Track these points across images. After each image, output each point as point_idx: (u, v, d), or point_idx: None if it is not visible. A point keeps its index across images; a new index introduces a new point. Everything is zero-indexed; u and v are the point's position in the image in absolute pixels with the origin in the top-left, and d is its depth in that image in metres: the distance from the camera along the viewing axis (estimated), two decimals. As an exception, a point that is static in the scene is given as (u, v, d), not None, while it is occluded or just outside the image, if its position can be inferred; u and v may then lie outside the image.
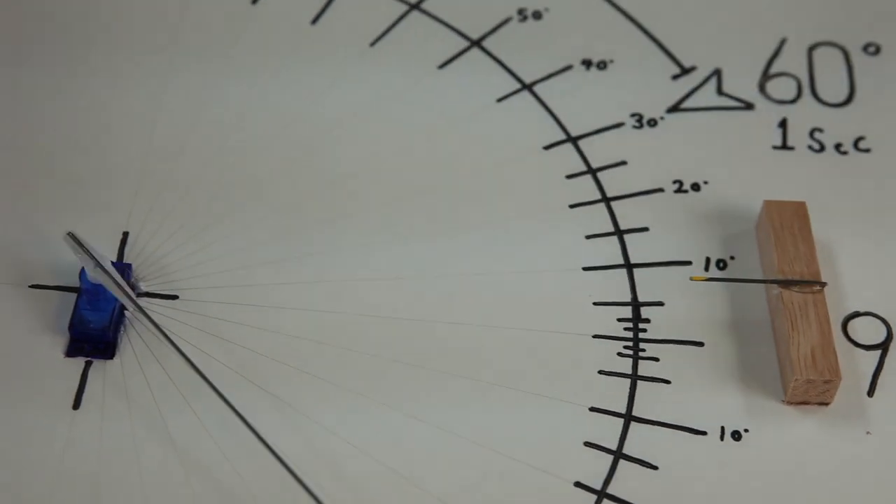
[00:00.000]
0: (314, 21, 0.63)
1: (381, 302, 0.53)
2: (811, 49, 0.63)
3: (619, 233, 0.56)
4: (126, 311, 0.52)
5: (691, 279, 0.53)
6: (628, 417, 0.50)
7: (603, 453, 0.49)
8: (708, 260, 0.55)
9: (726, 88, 0.61)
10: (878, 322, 0.53)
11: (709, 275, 0.54)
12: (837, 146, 0.59)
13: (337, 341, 0.52)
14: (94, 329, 0.50)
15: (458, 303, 0.53)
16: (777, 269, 0.53)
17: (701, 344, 0.52)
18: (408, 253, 0.55)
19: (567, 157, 0.59)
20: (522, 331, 0.53)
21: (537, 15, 0.64)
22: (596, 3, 0.65)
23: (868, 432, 0.50)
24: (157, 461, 0.48)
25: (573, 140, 0.59)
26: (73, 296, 0.52)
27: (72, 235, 0.50)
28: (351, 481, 0.48)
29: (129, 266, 0.53)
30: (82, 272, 0.51)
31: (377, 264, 0.54)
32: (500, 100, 0.61)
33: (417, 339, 0.52)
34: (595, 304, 0.54)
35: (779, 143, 0.60)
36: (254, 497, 0.48)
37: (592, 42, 0.63)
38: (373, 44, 0.62)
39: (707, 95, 0.61)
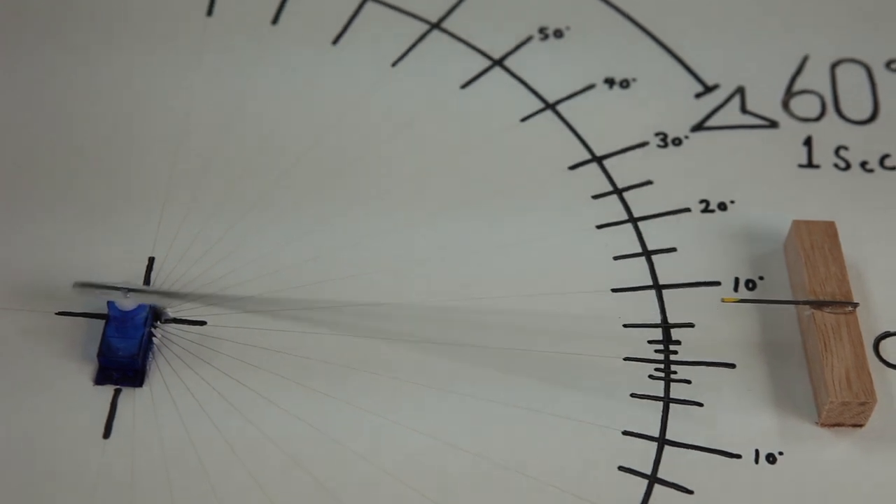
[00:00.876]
0: (335, 41, 0.63)
1: (414, 333, 0.53)
2: (834, 66, 0.63)
3: (647, 253, 0.56)
4: (154, 339, 0.51)
5: (723, 301, 0.53)
6: (662, 441, 0.50)
7: (638, 478, 0.49)
8: (737, 280, 0.55)
9: (750, 106, 0.61)
10: (910, 342, 0.53)
11: (739, 296, 0.54)
12: (863, 164, 0.59)
13: (366, 366, 0.51)
14: (122, 357, 0.50)
15: (487, 327, 0.53)
16: (808, 290, 0.52)
17: (733, 366, 0.52)
18: (435, 276, 0.55)
19: (593, 177, 0.59)
20: (553, 353, 0.52)
21: (559, 34, 0.64)
22: (617, 22, 0.64)
23: (903, 454, 0.50)
24: (188, 489, 0.48)
25: (598, 160, 0.59)
26: (101, 323, 0.51)
27: (80, 284, 0.50)
28: (383, 501, 0.48)
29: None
30: (110, 301, 0.51)
31: (407, 289, 0.54)
32: (523, 119, 0.61)
33: (446, 364, 0.52)
34: (625, 325, 0.53)
35: (804, 161, 0.59)
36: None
37: (615, 61, 0.63)
38: (394, 64, 0.62)
39: (731, 114, 0.61)
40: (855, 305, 0.52)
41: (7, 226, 0.54)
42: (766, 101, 0.61)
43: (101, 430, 0.49)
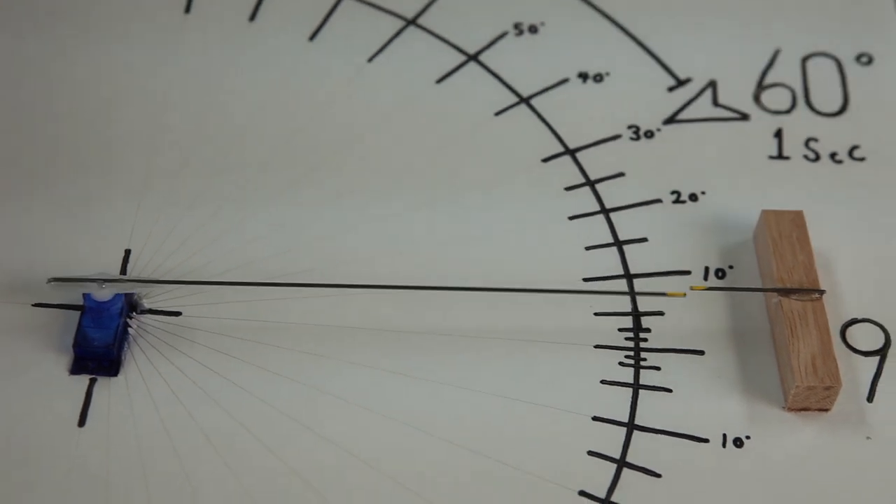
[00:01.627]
0: (312, 38, 0.63)
1: (384, 317, 0.53)
2: (805, 60, 0.64)
3: (619, 243, 0.57)
4: (130, 329, 0.52)
5: (691, 289, 0.54)
6: (631, 426, 0.51)
7: (606, 462, 0.50)
8: (707, 269, 0.56)
9: (722, 100, 0.62)
10: (877, 329, 0.54)
11: (708, 284, 0.55)
12: (832, 155, 0.60)
13: (339, 354, 0.52)
14: (98, 347, 0.51)
15: (460, 315, 0.54)
16: (776, 278, 0.53)
17: (702, 352, 0.53)
18: (409, 265, 0.55)
19: (565, 170, 0.59)
20: (524, 341, 0.53)
21: (533, 29, 0.65)
22: (591, 17, 0.65)
23: (868, 437, 0.51)
24: (163, 477, 0.48)
25: (571, 152, 0.60)
26: (77, 314, 0.52)
27: (54, 279, 0.51)
28: (356, 491, 0.49)
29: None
30: (86, 293, 0.51)
31: (381, 280, 0.54)
32: (497, 113, 0.61)
33: (420, 353, 0.52)
34: (596, 314, 0.54)
35: (775, 152, 0.60)
36: (260, 511, 0.48)
37: (588, 55, 0.64)
38: (370, 59, 0.63)
39: (703, 107, 0.62)
40: (821, 293, 0.52)
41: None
42: (737, 94, 0.62)
43: (77, 418, 0.50)
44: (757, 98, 0.62)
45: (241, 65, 0.62)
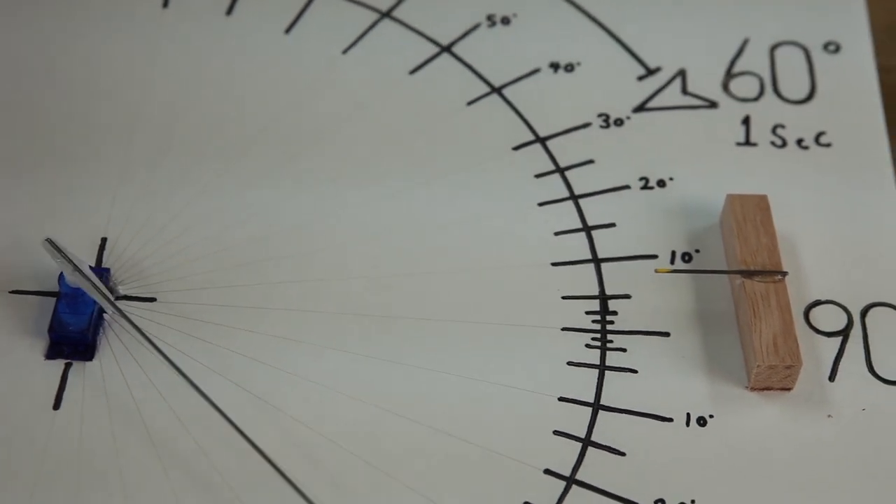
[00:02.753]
0: (287, 31, 0.64)
1: (357, 303, 0.54)
2: (773, 48, 0.64)
3: (587, 229, 0.58)
4: (105, 314, 0.53)
5: (656, 271, 0.55)
6: (596, 406, 0.52)
7: (572, 441, 0.51)
8: (674, 253, 0.56)
9: (691, 88, 0.63)
10: (839, 310, 0.55)
11: (673, 267, 0.56)
12: (799, 141, 0.61)
13: (310, 339, 0.53)
14: (73, 332, 0.52)
15: (428, 300, 0.55)
16: (739, 260, 0.54)
17: (667, 334, 0.54)
18: (381, 251, 0.56)
19: (536, 157, 0.60)
20: (493, 325, 0.54)
21: (506, 20, 0.65)
22: (563, 8, 0.66)
23: (830, 416, 0.52)
24: (136, 458, 0.49)
25: (542, 140, 0.61)
26: (53, 300, 0.53)
27: (50, 241, 0.52)
28: (327, 473, 0.49)
29: (106, 270, 0.54)
30: (61, 276, 0.52)
31: (354, 266, 0.55)
32: (470, 103, 0.62)
33: (389, 336, 0.53)
34: (564, 297, 0.55)
35: (742, 139, 0.61)
36: (232, 490, 0.49)
37: (560, 45, 0.65)
38: (345, 51, 0.64)
39: (672, 95, 0.63)
40: (784, 274, 0.53)
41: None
42: (706, 82, 0.63)
43: (52, 402, 0.51)
44: (725, 86, 0.63)
45: (218, 57, 0.63)
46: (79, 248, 0.55)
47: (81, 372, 0.51)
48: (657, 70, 0.64)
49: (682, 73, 0.63)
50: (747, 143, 0.61)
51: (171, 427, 0.50)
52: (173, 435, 0.50)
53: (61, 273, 0.52)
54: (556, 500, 0.49)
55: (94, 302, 0.52)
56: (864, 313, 0.55)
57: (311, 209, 0.58)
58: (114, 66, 0.62)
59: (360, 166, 0.59)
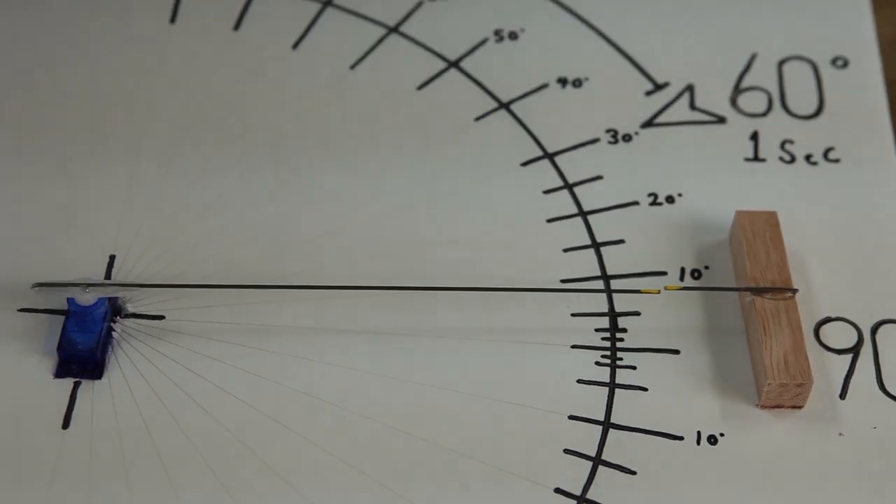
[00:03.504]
0: (295, 46, 0.64)
1: (366, 319, 0.54)
2: (781, 63, 0.64)
3: (596, 245, 0.57)
4: (113, 332, 0.53)
5: (666, 288, 0.54)
6: (607, 425, 0.52)
7: (582, 460, 0.50)
8: (683, 270, 0.56)
9: (699, 103, 0.63)
10: (849, 327, 0.55)
11: (683, 284, 0.56)
12: (808, 157, 0.61)
13: (320, 357, 0.53)
14: (82, 350, 0.51)
15: (440, 315, 0.54)
16: (749, 278, 0.54)
17: (677, 352, 0.54)
18: (388, 267, 0.56)
19: (544, 173, 0.60)
20: (502, 342, 0.54)
21: (513, 36, 0.65)
22: (570, 23, 0.66)
23: (840, 434, 0.51)
24: (145, 476, 0.49)
25: (550, 156, 0.61)
26: (62, 318, 0.53)
27: (38, 285, 0.52)
28: (336, 490, 0.49)
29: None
30: (70, 297, 0.52)
31: (362, 282, 0.55)
32: (478, 118, 0.62)
33: (400, 354, 0.53)
34: (573, 315, 0.55)
35: (751, 155, 0.61)
36: (242, 510, 0.49)
37: (567, 61, 0.64)
38: (353, 66, 0.64)
39: (680, 110, 0.63)
40: (794, 291, 0.53)
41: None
42: (714, 97, 0.63)
43: (61, 421, 0.50)
44: (734, 101, 0.63)
45: (225, 72, 0.63)
46: (87, 265, 0.55)
47: (90, 390, 0.51)
48: (665, 85, 0.64)
49: (690, 89, 0.63)
50: (756, 158, 0.61)
51: (181, 445, 0.50)
52: (182, 453, 0.50)
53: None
54: (567, 519, 0.49)
55: (103, 320, 0.52)
56: (874, 330, 0.54)
57: (318, 225, 0.57)
58: (122, 80, 0.62)
59: (368, 182, 0.59)
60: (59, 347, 0.52)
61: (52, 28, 0.64)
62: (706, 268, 0.56)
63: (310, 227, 0.57)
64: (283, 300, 0.55)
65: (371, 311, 0.54)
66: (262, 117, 0.61)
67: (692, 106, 0.63)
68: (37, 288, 0.52)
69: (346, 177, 0.59)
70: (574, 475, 0.50)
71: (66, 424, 0.50)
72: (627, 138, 0.61)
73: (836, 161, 0.61)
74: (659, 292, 0.54)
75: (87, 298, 0.52)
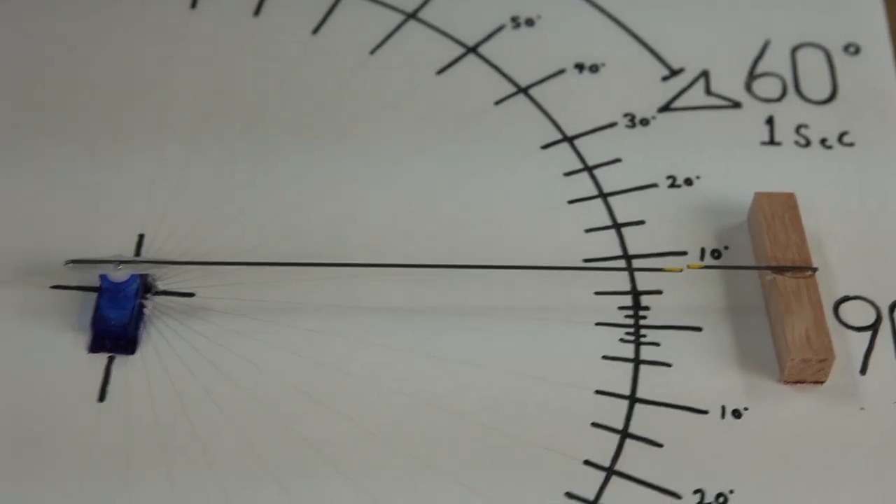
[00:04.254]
0: (315, 31, 0.65)
1: (393, 297, 0.55)
2: (794, 50, 0.65)
3: (617, 226, 0.58)
4: (145, 309, 0.54)
5: (689, 267, 0.55)
6: (633, 399, 0.52)
7: (610, 433, 0.51)
8: (703, 250, 0.57)
9: (714, 88, 0.64)
10: (868, 305, 0.56)
11: (705, 263, 0.57)
12: (823, 141, 0.62)
13: (350, 332, 0.54)
14: (115, 325, 0.52)
15: (466, 294, 0.55)
16: (770, 257, 0.55)
17: (699, 329, 0.55)
18: (412, 248, 0.57)
19: (564, 156, 0.61)
20: (528, 320, 0.55)
21: (530, 22, 0.66)
22: (585, 9, 0.67)
23: (862, 408, 0.53)
24: (181, 450, 0.50)
25: (569, 139, 0.62)
26: (93, 296, 0.53)
27: (72, 262, 0.53)
28: (367, 463, 0.50)
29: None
30: (102, 274, 0.53)
31: (388, 260, 0.56)
32: (497, 103, 0.63)
33: (426, 330, 0.54)
34: (596, 293, 0.56)
35: (766, 139, 0.62)
36: (278, 482, 0.50)
37: (584, 47, 0.65)
38: (372, 52, 0.65)
39: (696, 95, 0.64)
40: (814, 270, 0.54)
41: (2, 206, 0.57)
42: (729, 83, 0.64)
43: (97, 394, 0.51)
44: (748, 87, 0.64)
45: (246, 57, 0.64)
46: (117, 244, 0.56)
47: (124, 365, 0.52)
48: (680, 71, 0.65)
49: (705, 74, 0.64)
50: (771, 142, 0.62)
51: (214, 417, 0.51)
52: (217, 425, 0.51)
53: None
54: (597, 489, 0.50)
55: (135, 297, 0.53)
56: (892, 308, 0.55)
57: (341, 207, 0.58)
58: (145, 65, 0.63)
59: (389, 166, 0.60)
60: (93, 323, 0.52)
61: (72, 13, 0.64)
62: (726, 248, 0.57)
63: (332, 208, 0.58)
64: (310, 279, 0.55)
65: (397, 290, 0.55)
66: (283, 101, 0.62)
67: (707, 91, 0.64)
68: (70, 265, 0.53)
69: (368, 159, 0.60)
70: (602, 448, 0.51)
71: (101, 398, 0.51)
72: (645, 122, 0.62)
73: (851, 145, 0.62)
74: (682, 270, 0.55)
75: (119, 275, 0.53)
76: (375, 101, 0.63)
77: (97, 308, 0.52)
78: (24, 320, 0.53)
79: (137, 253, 0.56)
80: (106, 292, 0.53)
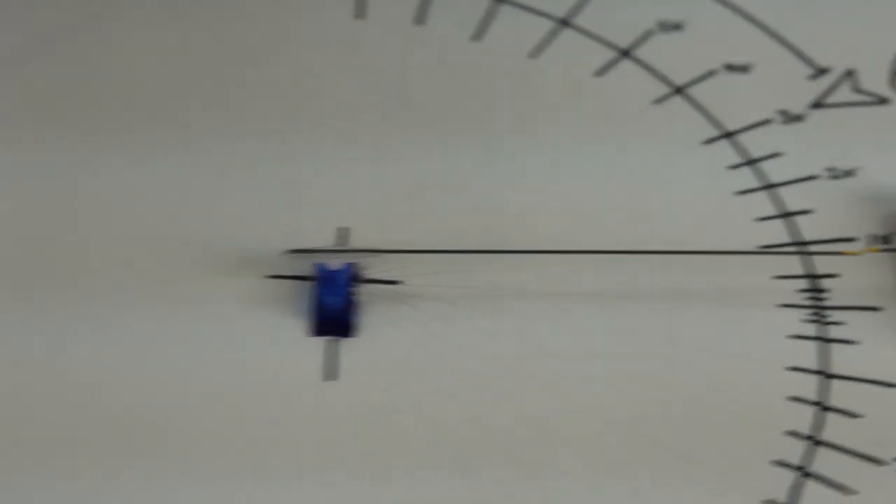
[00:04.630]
0: (476, 39, 0.68)
1: (591, 288, 0.58)
2: (935, 47, 0.69)
3: (785, 215, 0.61)
4: (357, 296, 0.57)
5: (870, 250, 0.58)
6: (824, 375, 0.55)
7: (807, 406, 0.54)
8: (873, 236, 0.60)
9: (860, 85, 0.67)
10: None
11: (886, 246, 0.60)
12: (971, 132, 0.65)
13: (551, 318, 0.57)
14: (331, 311, 0.55)
15: (650, 284, 0.58)
16: (941, 240, 0.58)
17: (881, 309, 0.58)
18: (593, 242, 0.60)
19: (725, 151, 0.64)
20: (710, 305, 0.58)
21: (677, 27, 0.70)
22: (728, 14, 0.70)
23: None
24: (409, 426, 0.53)
25: (728, 135, 0.65)
26: (305, 283, 0.57)
27: (292, 251, 0.56)
28: (581, 433, 0.53)
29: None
30: (316, 263, 0.56)
31: (572, 246, 0.59)
32: (655, 102, 0.66)
33: (627, 313, 0.57)
34: (774, 277, 0.59)
35: (917, 132, 0.65)
36: (506, 454, 0.53)
37: (731, 49, 0.68)
38: (532, 57, 0.68)
39: (843, 92, 0.67)
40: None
41: (219, 201, 0.60)
42: (874, 80, 0.67)
43: (320, 374, 0.54)
44: (893, 84, 0.67)
45: (414, 64, 0.67)
46: (319, 239, 0.59)
47: (343, 347, 0.55)
48: (826, 70, 0.68)
49: (851, 72, 0.67)
50: (922, 136, 0.65)
51: (437, 397, 0.54)
52: (441, 404, 0.54)
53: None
54: (801, 457, 0.53)
55: (349, 284, 0.56)
56: None
57: (526, 202, 0.61)
58: (322, 71, 0.66)
59: (564, 161, 0.63)
60: (311, 309, 0.55)
61: (263, 23, 0.68)
62: (893, 234, 0.61)
63: (519, 201, 0.61)
64: (506, 267, 0.58)
65: (591, 277, 0.58)
66: (454, 102, 0.65)
67: (855, 88, 0.67)
68: (287, 254, 0.56)
69: (542, 155, 0.63)
70: (801, 420, 0.54)
71: (326, 377, 0.54)
72: (799, 118, 0.65)
73: None
74: (859, 254, 0.58)
75: (333, 264, 0.56)
76: (537, 103, 0.66)
77: (314, 294, 0.56)
78: (244, 308, 0.56)
79: (341, 244, 0.59)
80: (322, 280, 0.56)
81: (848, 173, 0.63)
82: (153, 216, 0.59)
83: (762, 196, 0.62)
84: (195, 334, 0.55)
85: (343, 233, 0.59)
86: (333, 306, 0.55)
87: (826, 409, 0.54)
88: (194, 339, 0.55)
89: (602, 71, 0.68)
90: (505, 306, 0.57)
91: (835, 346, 0.56)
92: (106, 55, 0.65)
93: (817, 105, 0.66)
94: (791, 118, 0.65)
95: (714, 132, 0.65)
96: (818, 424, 0.54)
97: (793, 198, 0.62)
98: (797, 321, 0.57)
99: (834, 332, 0.57)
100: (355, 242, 0.59)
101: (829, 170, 0.63)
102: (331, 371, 0.54)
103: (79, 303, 0.56)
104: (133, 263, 0.57)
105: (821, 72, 0.68)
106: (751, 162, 0.64)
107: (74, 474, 0.52)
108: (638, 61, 0.68)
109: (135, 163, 0.61)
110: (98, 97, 0.64)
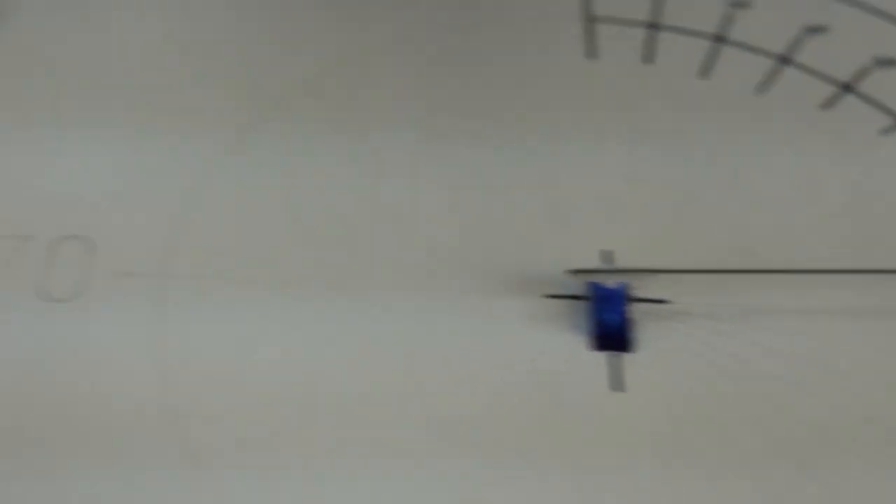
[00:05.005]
0: (702, 76, 0.72)
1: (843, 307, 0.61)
2: None
3: None
4: (630, 314, 0.60)
5: None
6: None
7: None
8: None
9: None
10: None
11: None
12: None
13: (815, 335, 0.60)
14: (610, 328, 0.58)
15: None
16: None
17: None
18: (828, 249, 0.63)
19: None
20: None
21: (892, 62, 0.73)
22: (871, 19, 0.74)
23: None
24: (696, 437, 0.56)
25: (913, 131, 0.68)
26: (579, 302, 0.60)
27: (574, 271, 0.60)
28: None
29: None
30: (591, 282, 0.60)
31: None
32: (880, 133, 0.69)
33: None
34: None
35: None
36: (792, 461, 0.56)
37: (880, 48, 0.72)
38: (756, 93, 0.71)
39: None
40: None
41: (494, 227, 0.64)
42: None
43: (605, 385, 0.58)
44: None
45: (642, 102, 0.70)
46: (579, 259, 0.62)
47: (624, 361, 0.59)
48: None
49: None
50: None
51: (723, 411, 0.57)
52: (729, 416, 0.57)
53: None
54: None
55: (624, 302, 0.59)
56: None
57: (775, 223, 0.65)
58: (543, 111, 0.70)
59: (802, 189, 0.66)
60: (591, 325, 0.59)
61: (493, 62, 0.72)
62: None
63: (764, 222, 0.64)
64: (760, 286, 0.61)
65: (847, 294, 0.61)
66: (679, 137, 0.69)
67: None
68: (569, 274, 0.59)
69: (778, 181, 0.66)
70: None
71: (613, 388, 0.58)
72: None
73: None
74: None
75: (609, 283, 0.59)
76: (763, 139, 0.69)
77: (592, 312, 0.59)
78: (527, 325, 0.60)
79: (607, 265, 0.62)
80: (599, 298, 0.59)
81: None
82: (447, 238, 0.63)
83: None
84: (482, 349, 0.59)
85: (607, 255, 0.62)
86: (612, 323, 0.58)
87: None
88: (482, 353, 0.59)
89: (825, 105, 0.71)
90: (766, 323, 0.60)
91: None
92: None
93: None
94: None
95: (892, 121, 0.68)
96: None
97: None
98: None
99: None
100: (621, 262, 0.62)
101: None
102: (617, 383, 0.58)
103: (378, 308, 0.61)
104: (426, 282, 0.62)
105: None
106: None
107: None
108: (860, 95, 0.71)
109: (435, 190, 0.66)
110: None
